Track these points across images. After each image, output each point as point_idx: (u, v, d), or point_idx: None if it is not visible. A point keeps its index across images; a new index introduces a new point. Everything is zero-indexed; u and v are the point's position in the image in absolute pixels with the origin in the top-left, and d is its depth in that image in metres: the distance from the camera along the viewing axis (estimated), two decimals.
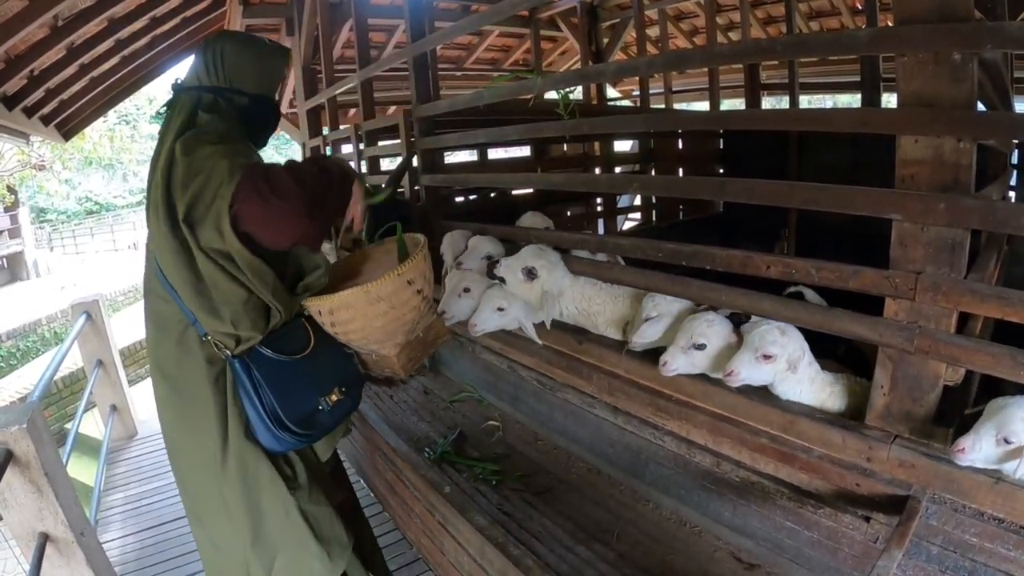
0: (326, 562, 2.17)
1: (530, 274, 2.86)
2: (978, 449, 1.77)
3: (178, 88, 2.10)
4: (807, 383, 2.22)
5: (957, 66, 1.67)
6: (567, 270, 2.93)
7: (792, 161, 5.76)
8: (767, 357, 2.13)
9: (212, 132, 1.97)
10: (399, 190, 4.64)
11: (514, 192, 5.88)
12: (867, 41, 1.97)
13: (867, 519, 2.06)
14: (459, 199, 5.69)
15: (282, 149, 33.02)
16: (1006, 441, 1.73)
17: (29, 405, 2.41)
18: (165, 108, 2.08)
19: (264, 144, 2.30)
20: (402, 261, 2.32)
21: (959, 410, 1.97)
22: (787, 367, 2.16)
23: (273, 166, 2.01)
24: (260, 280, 1.96)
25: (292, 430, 2.01)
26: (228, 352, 1.98)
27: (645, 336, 2.57)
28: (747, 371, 2.16)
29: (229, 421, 2.02)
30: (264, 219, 1.91)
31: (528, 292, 2.89)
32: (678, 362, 2.35)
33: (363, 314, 2.17)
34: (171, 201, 1.90)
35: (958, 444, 1.78)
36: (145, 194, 2.04)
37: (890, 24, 1.84)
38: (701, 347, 2.30)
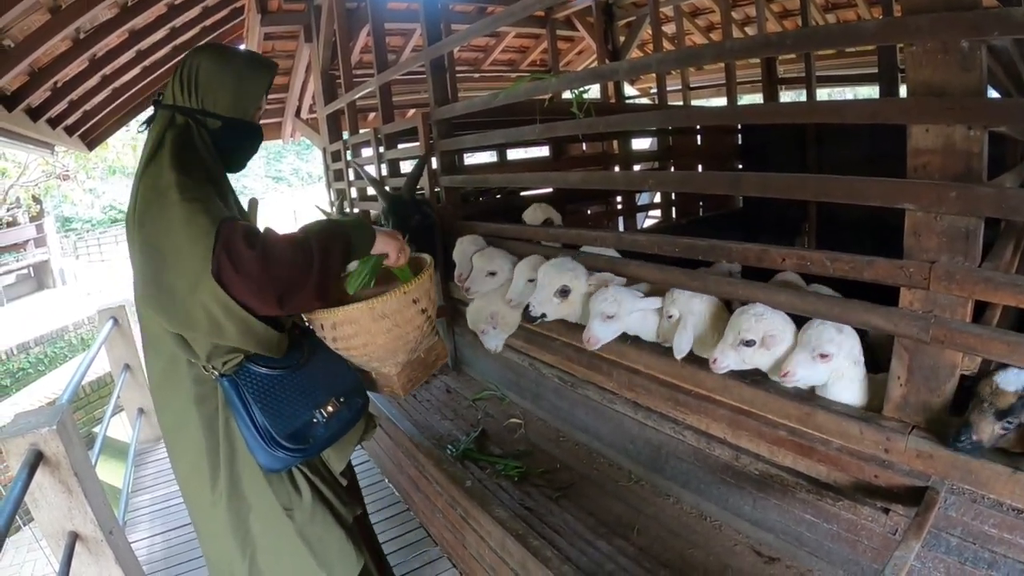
0: None
1: (563, 293, 2.84)
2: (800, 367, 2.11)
3: (156, 103, 2.00)
4: (858, 383, 2.19)
5: (965, 54, 1.67)
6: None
7: (811, 155, 5.73)
8: (824, 356, 2.09)
9: (173, 185, 1.76)
10: (419, 191, 4.69)
11: (534, 191, 5.91)
12: (875, 31, 1.98)
13: (886, 511, 2.06)
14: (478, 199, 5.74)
15: (303, 155, 33.26)
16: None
17: (59, 408, 2.46)
18: (145, 125, 1.99)
19: (242, 168, 2.17)
20: (407, 279, 2.22)
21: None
22: (846, 365, 2.13)
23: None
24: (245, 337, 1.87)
25: (284, 446, 1.90)
26: (216, 372, 1.89)
27: (683, 347, 2.49)
28: (803, 371, 2.13)
29: (220, 442, 1.94)
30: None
31: (569, 308, 2.88)
32: (728, 359, 2.29)
33: (366, 330, 2.12)
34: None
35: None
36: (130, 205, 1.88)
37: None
38: (750, 343, 2.23)
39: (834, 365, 2.12)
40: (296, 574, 2.03)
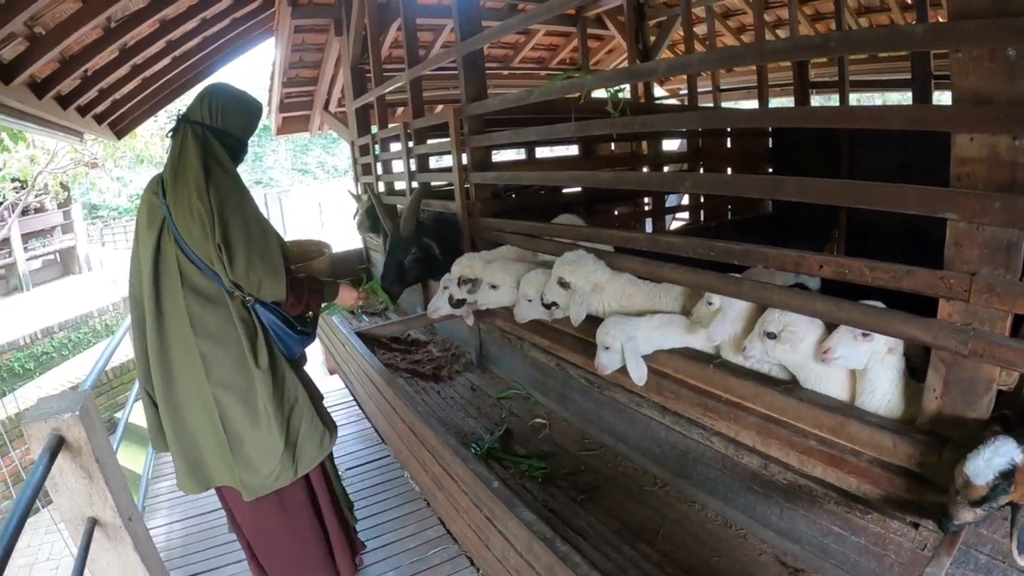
0: (327, 438, 2.88)
1: (562, 285, 3.05)
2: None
3: (183, 119, 2.64)
4: (896, 372, 2.17)
5: (1013, 62, 1.63)
6: (601, 265, 3.04)
7: (844, 161, 5.66)
8: (866, 335, 2.10)
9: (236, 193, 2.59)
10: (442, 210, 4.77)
11: (562, 191, 5.88)
12: (922, 36, 1.95)
13: (915, 525, 2.03)
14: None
15: (330, 148, 33.40)
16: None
17: (81, 393, 2.46)
18: (171, 132, 2.64)
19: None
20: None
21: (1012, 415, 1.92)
22: (886, 349, 2.13)
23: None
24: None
25: (303, 331, 2.83)
26: (252, 299, 2.64)
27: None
28: (844, 349, 2.13)
29: (259, 343, 2.66)
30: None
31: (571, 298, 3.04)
32: (755, 348, 2.33)
33: None
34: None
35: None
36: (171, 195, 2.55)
37: (941, 20, 1.81)
38: (771, 335, 2.27)
39: (874, 347, 2.12)
40: (312, 428, 2.84)
